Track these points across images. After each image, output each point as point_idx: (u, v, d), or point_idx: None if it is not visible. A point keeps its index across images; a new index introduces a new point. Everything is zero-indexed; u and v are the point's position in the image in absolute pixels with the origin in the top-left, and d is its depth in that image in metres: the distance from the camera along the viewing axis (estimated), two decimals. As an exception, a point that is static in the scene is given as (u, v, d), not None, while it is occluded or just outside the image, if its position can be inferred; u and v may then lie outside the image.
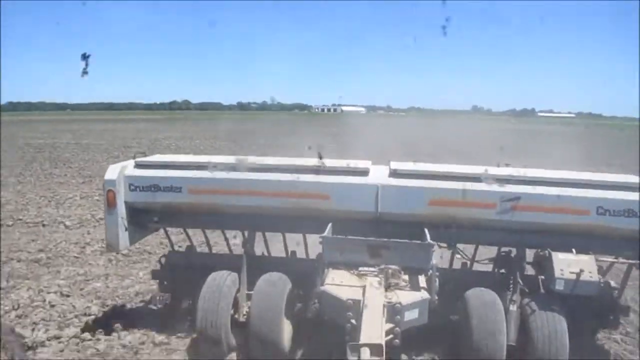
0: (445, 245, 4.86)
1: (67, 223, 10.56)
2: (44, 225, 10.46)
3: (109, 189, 4.90)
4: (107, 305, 6.22)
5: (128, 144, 31.32)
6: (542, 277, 4.56)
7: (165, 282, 5.65)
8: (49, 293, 6.51)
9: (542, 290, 4.58)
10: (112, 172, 4.97)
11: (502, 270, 4.93)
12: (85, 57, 4.68)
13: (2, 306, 6.06)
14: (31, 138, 36.75)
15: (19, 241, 9.21)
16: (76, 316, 5.86)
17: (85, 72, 4.88)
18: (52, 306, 6.11)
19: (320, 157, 4.86)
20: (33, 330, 5.46)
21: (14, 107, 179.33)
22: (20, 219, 10.91)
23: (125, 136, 39.75)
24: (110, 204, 4.92)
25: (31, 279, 7.16)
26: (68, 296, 6.49)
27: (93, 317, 5.87)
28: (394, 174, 4.73)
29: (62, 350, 5.07)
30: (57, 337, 5.32)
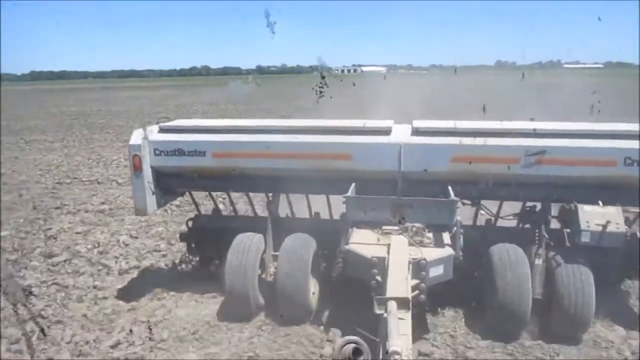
0: (469, 202, 4.85)
1: (119, 181, 11.62)
2: (99, 183, 11.55)
3: (135, 153, 4.95)
4: (172, 244, 7.22)
5: (156, 110, 32.24)
6: (568, 230, 4.51)
7: (192, 245, 5.77)
8: (121, 235, 7.60)
9: (567, 244, 4.54)
10: (137, 137, 5.01)
11: (527, 225, 4.91)
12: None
13: (83, 245, 7.14)
14: (63, 106, 38.28)
15: (81, 196, 10.32)
16: (149, 252, 6.91)
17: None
18: (127, 245, 7.19)
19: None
20: (116, 262, 6.54)
21: (37, 76, 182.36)
22: (77, 178, 12.06)
23: (151, 103, 40.77)
24: (137, 168, 4.97)
25: (101, 225, 8.23)
26: (137, 237, 7.54)
27: (163, 252, 6.91)
28: (416, 132, 4.70)
29: (143, 274, 6.15)
30: (137, 267, 6.39)
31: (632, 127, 4.58)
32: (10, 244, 7.21)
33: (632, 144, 4.30)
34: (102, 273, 6.20)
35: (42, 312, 5.10)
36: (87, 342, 4.56)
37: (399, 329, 2.79)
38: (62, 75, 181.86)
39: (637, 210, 4.64)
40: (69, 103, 41.62)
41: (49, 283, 5.84)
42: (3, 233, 7.70)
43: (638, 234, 4.63)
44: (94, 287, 5.77)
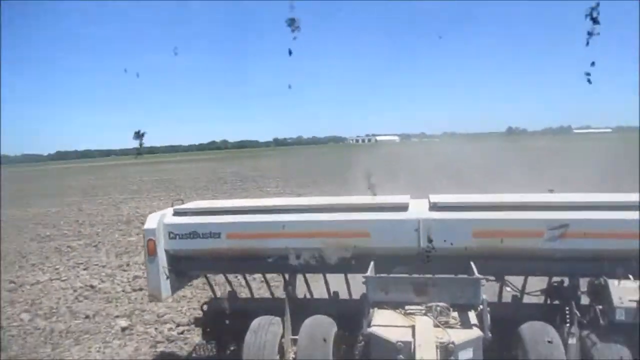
0: (493, 278, 4.61)
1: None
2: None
3: (150, 238, 4.91)
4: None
5: (221, 177, 36.72)
6: (600, 306, 4.27)
7: (208, 330, 5.57)
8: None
9: (601, 321, 4.24)
10: (152, 221, 4.99)
11: (556, 302, 4.71)
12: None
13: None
14: (130, 177, 43.67)
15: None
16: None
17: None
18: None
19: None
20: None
21: (64, 155, 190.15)
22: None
23: (203, 174, 44.53)
24: (151, 252, 4.94)
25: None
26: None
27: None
28: (434, 207, 4.66)
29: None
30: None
31: None
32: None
33: None
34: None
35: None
36: None
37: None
38: (86, 154, 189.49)
39: None
40: (144, 176, 45.87)
41: None
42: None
43: None
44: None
